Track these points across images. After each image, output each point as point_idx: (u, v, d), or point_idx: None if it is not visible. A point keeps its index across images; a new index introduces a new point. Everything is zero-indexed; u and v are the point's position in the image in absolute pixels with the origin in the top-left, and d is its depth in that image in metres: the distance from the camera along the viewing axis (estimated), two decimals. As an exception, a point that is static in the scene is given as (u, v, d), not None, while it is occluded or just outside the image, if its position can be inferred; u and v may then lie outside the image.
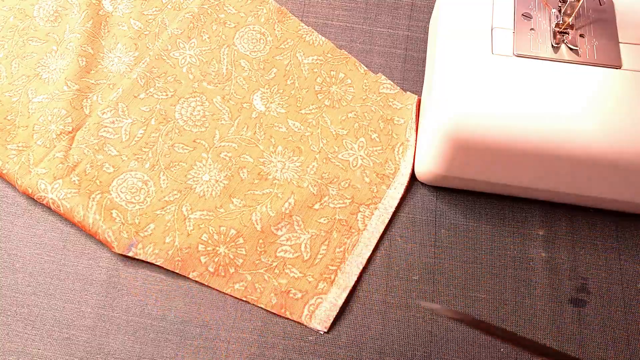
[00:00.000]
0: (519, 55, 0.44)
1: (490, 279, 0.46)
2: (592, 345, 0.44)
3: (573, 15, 0.43)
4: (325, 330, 0.44)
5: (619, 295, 0.45)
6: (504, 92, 0.42)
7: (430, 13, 0.59)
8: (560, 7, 0.46)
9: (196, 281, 0.45)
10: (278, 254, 0.46)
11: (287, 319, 0.44)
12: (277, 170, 0.50)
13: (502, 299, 0.45)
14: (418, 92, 0.55)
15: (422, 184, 0.50)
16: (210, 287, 0.45)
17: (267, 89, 0.54)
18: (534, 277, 0.46)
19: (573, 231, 0.48)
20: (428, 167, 0.47)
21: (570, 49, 0.44)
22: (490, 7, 0.47)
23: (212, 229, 0.47)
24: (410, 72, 0.56)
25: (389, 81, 0.55)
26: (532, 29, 0.45)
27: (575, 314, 0.45)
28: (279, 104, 0.53)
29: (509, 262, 0.47)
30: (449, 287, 0.46)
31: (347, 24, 0.59)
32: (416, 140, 0.51)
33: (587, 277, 0.46)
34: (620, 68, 0.43)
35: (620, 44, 0.44)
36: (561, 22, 0.45)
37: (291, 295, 0.45)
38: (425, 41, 0.58)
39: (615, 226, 0.48)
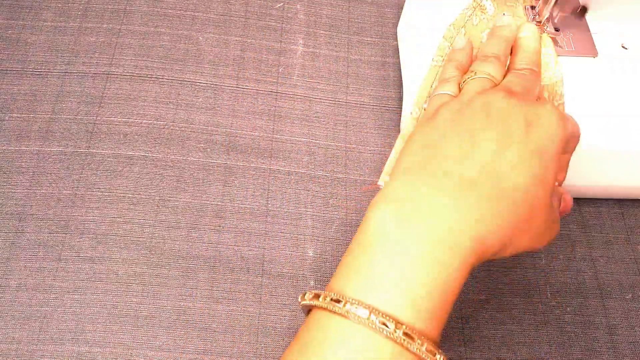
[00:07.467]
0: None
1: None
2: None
3: (550, 8, 0.45)
4: None
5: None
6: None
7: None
8: (533, 4, 0.48)
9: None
10: None
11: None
12: None
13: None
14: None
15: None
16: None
17: None
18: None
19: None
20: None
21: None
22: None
23: None
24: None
25: None
26: (511, 26, 0.47)
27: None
28: None
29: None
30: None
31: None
32: None
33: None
34: (596, 56, 0.46)
35: (592, 34, 0.47)
36: (537, 17, 0.47)
37: None
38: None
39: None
